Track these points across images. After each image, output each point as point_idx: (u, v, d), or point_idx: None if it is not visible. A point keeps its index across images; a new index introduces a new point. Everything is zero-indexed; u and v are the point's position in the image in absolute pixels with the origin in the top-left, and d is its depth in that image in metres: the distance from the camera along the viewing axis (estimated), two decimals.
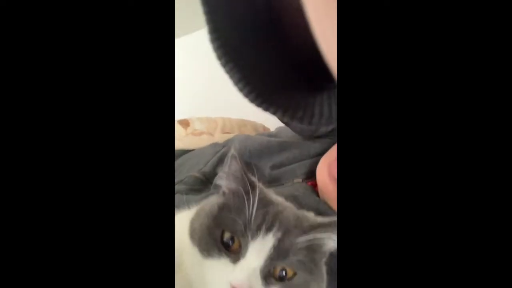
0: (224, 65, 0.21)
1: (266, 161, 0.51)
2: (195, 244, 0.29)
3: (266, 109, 0.22)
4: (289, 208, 0.32)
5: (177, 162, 0.63)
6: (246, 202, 0.28)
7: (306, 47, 0.27)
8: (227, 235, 0.28)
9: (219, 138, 0.75)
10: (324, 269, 0.30)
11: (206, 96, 0.94)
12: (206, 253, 0.28)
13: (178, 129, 0.82)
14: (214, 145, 0.64)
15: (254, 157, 0.52)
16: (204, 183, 0.53)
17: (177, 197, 0.45)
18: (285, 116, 0.23)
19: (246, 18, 0.23)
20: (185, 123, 0.82)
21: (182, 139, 0.78)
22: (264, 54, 0.24)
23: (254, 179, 0.30)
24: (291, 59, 0.24)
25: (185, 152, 0.68)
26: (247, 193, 0.29)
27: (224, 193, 0.32)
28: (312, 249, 0.29)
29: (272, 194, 0.33)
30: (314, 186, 0.46)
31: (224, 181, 0.32)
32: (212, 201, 0.32)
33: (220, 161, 0.55)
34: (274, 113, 0.23)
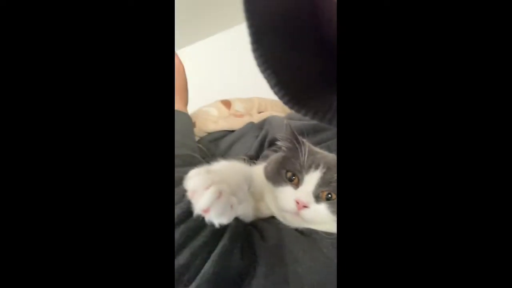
0: (263, 71, 0.24)
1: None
2: (269, 180, 0.47)
3: (298, 110, 0.25)
4: (332, 156, 0.48)
5: (222, 147, 0.75)
6: (300, 152, 0.45)
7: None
8: (289, 174, 0.45)
9: (256, 117, 0.89)
10: None
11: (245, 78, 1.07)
12: (277, 184, 0.46)
13: (222, 109, 0.97)
14: (252, 127, 0.78)
15: None
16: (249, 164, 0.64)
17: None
18: (315, 117, 0.25)
19: (287, 26, 0.25)
20: (227, 104, 0.98)
21: (226, 119, 0.93)
22: (301, 60, 0.26)
23: (303, 139, 0.47)
24: (327, 64, 0.26)
25: (227, 133, 0.82)
26: (300, 147, 0.46)
27: (284, 149, 0.49)
28: None
29: (318, 149, 0.50)
30: None
31: (283, 142, 0.49)
32: (277, 155, 0.50)
33: (261, 145, 0.66)
34: (305, 114, 0.25)
